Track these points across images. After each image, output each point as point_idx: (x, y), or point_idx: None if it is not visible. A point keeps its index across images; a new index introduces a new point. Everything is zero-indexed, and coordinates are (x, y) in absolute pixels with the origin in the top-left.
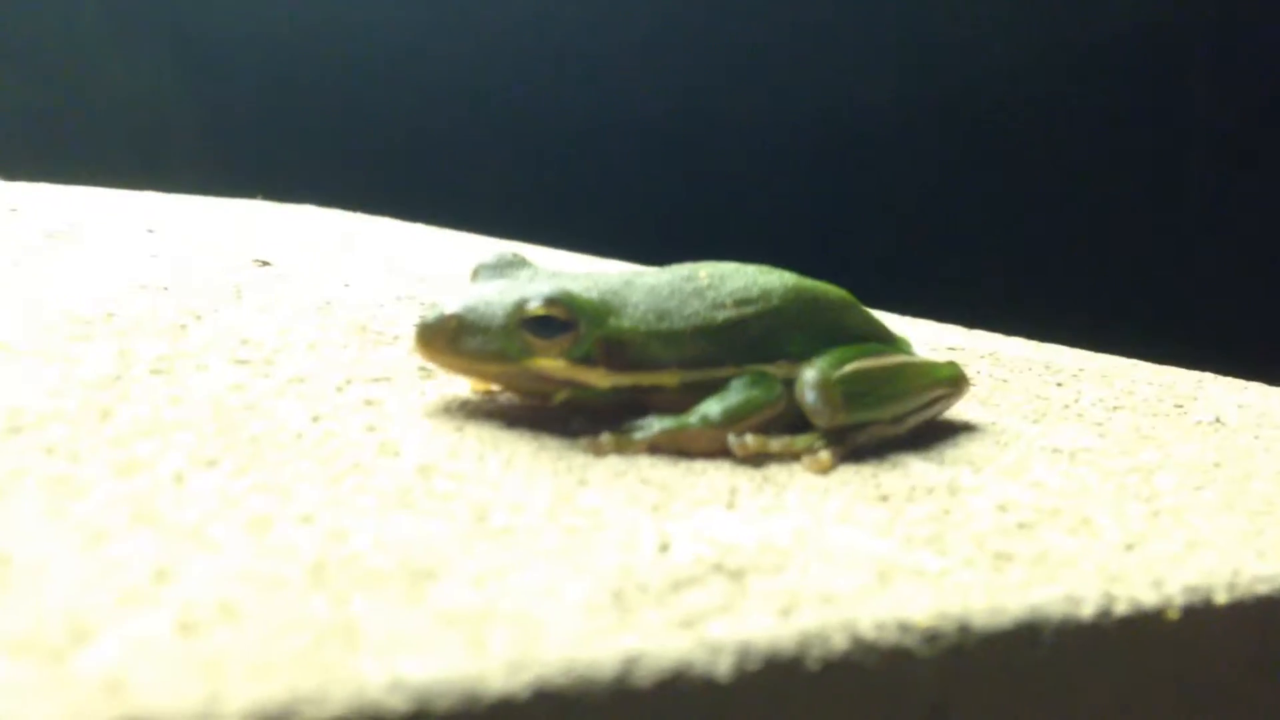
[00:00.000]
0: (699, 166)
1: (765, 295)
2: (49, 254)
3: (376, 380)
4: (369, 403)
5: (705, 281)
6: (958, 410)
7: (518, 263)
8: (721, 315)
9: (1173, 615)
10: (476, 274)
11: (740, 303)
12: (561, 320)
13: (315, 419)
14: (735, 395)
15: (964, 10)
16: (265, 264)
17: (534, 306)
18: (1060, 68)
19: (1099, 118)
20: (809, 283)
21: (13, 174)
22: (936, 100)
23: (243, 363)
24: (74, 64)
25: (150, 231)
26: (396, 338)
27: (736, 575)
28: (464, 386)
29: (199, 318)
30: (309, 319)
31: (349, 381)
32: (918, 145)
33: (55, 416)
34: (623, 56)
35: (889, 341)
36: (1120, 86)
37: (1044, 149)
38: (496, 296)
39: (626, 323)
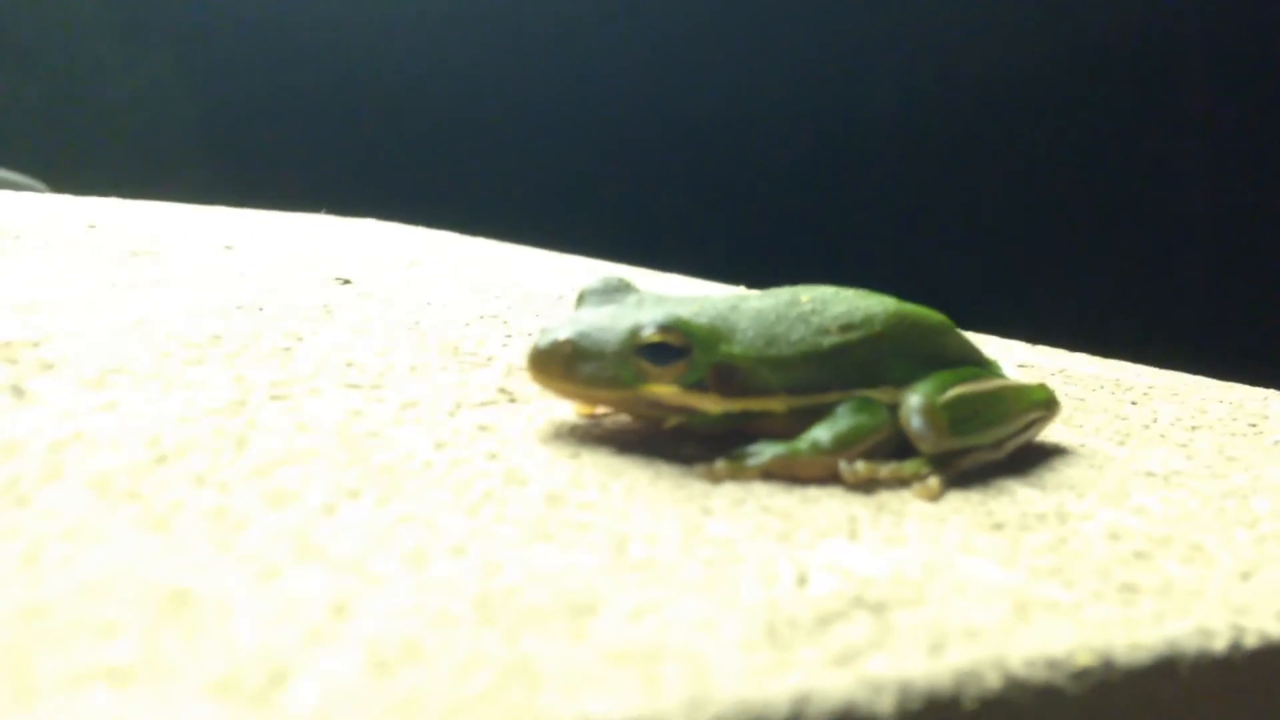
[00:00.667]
0: (747, 183)
1: (868, 320)
2: (138, 273)
3: (484, 404)
4: (483, 428)
5: (809, 306)
6: (1046, 432)
7: (623, 287)
8: (827, 341)
9: None
10: (583, 299)
11: (845, 328)
12: (675, 347)
13: (438, 446)
14: (844, 421)
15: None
16: (346, 282)
17: (649, 333)
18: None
19: (1159, 130)
20: (909, 307)
21: (81, 189)
22: (1002, 119)
23: (353, 386)
24: (139, 88)
25: (229, 248)
26: (490, 359)
27: (878, 609)
28: (567, 409)
29: (300, 339)
30: (403, 340)
31: (459, 406)
32: (987, 165)
33: (193, 445)
34: (673, 62)
35: (984, 365)
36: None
37: (1104, 162)
38: (609, 322)
39: (737, 349)
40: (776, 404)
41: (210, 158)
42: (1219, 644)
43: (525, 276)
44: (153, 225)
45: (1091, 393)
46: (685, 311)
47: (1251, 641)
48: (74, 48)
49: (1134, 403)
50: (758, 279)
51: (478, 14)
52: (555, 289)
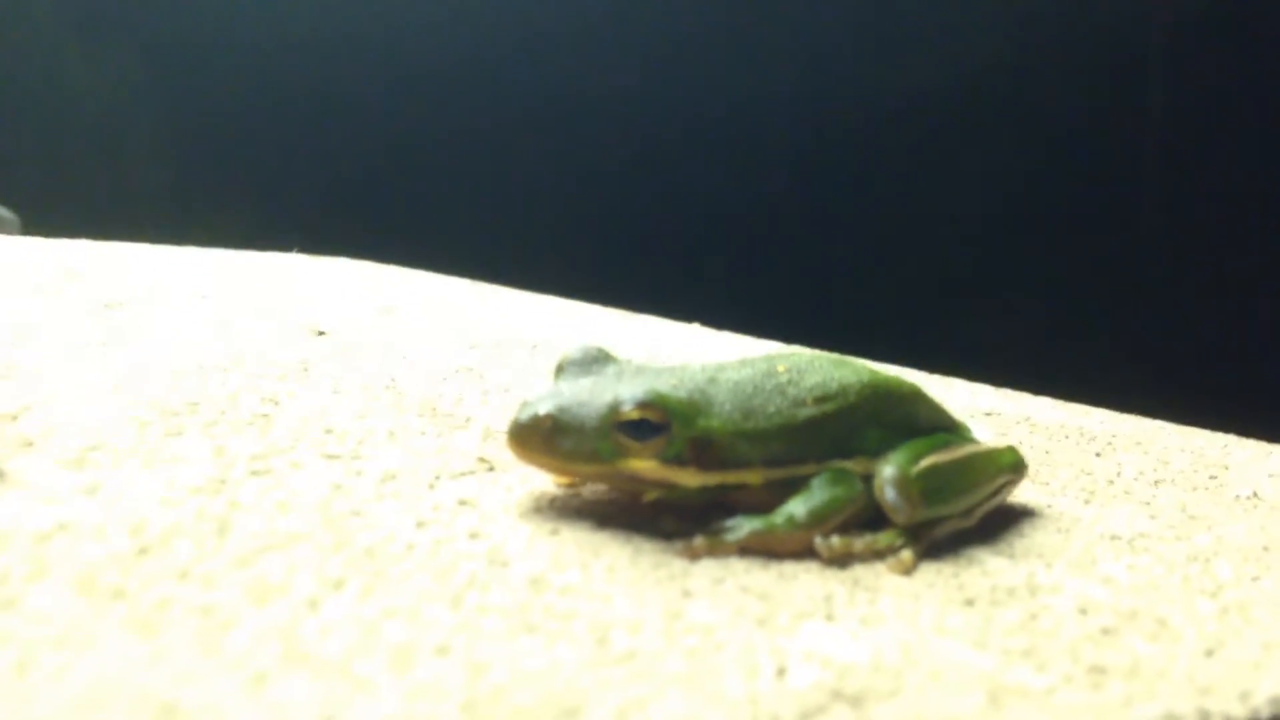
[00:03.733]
0: (701, 222)
1: (843, 391)
2: (113, 328)
3: (462, 475)
4: (463, 502)
5: (785, 377)
6: (1015, 491)
7: (602, 358)
8: (803, 413)
9: None
10: (561, 370)
11: (820, 399)
12: (654, 423)
13: (420, 525)
14: (818, 495)
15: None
16: (322, 333)
17: (628, 409)
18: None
19: (1111, 164)
20: (882, 376)
21: (55, 230)
22: (948, 155)
23: (333, 457)
24: (98, 115)
25: (203, 298)
26: (468, 419)
27: (857, 701)
28: (545, 479)
29: (277, 403)
30: (381, 400)
31: (438, 477)
32: (933, 202)
33: (176, 531)
34: (638, 89)
35: (954, 430)
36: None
37: (1053, 199)
38: (588, 396)
39: (716, 422)
40: (753, 476)
41: (178, 188)
42: None
43: (498, 323)
44: (126, 272)
45: (1057, 443)
46: (664, 385)
47: None
48: (29, 62)
49: (1098, 454)
50: (737, 322)
51: (452, 42)
52: (528, 337)
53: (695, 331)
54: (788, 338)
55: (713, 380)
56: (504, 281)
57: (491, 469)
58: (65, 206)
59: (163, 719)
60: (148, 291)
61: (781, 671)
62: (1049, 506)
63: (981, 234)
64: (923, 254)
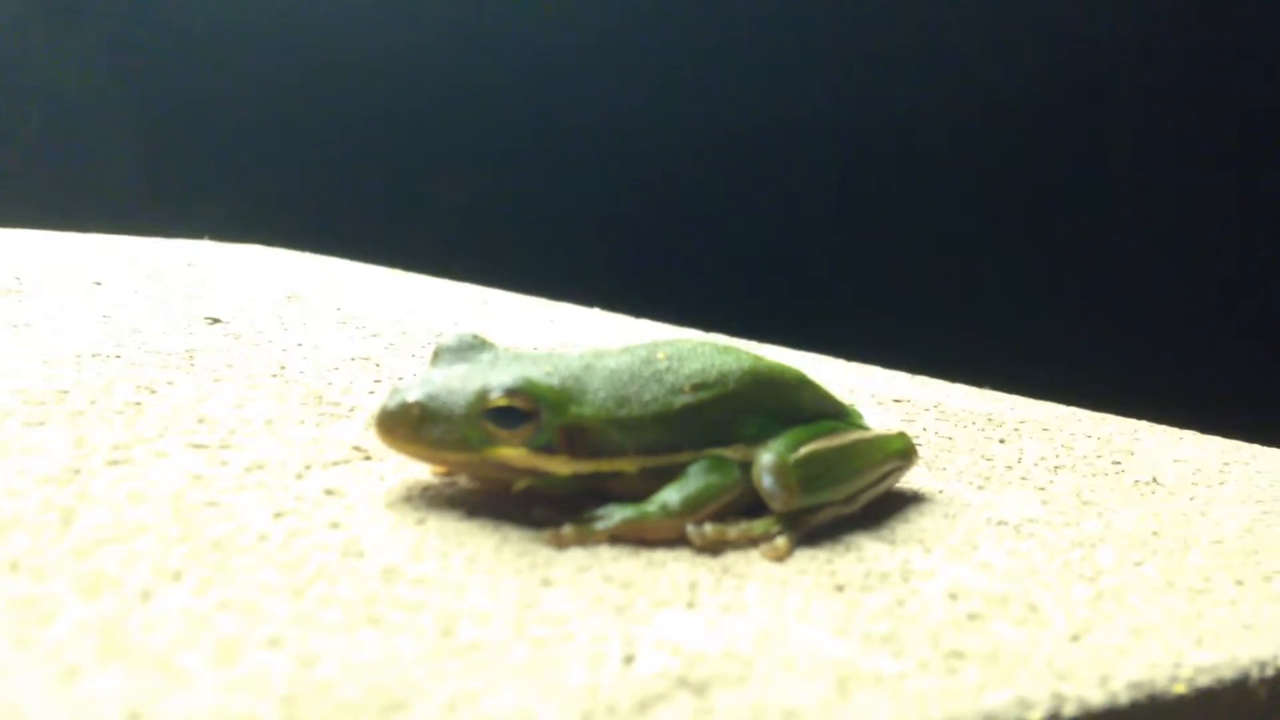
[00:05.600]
0: (645, 197)
1: (722, 379)
2: (2, 316)
3: (336, 464)
4: (330, 492)
5: (664, 364)
6: (909, 477)
7: (478, 345)
8: (679, 401)
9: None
10: (437, 356)
11: (698, 387)
12: (523, 410)
13: (277, 515)
14: (694, 482)
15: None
16: (216, 321)
17: (495, 397)
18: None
19: (1020, 155)
20: (765, 363)
21: None
22: (882, 133)
23: (200, 447)
24: (10, 93)
25: (98, 284)
26: (353, 409)
27: (701, 689)
28: (423, 468)
29: (153, 392)
30: (264, 388)
31: (308, 467)
32: (866, 183)
33: (16, 523)
34: (584, 66)
35: (842, 417)
36: (1056, 118)
37: (990, 189)
38: (458, 384)
39: (588, 410)
40: (628, 464)
41: (92, 172)
42: (1035, 715)
43: (408, 311)
44: (19, 258)
45: (962, 429)
46: (536, 373)
47: (1069, 711)
48: None
49: (1002, 440)
50: (619, 299)
51: (378, 17)
52: (437, 325)
53: (599, 316)
54: (715, 328)
55: (588, 367)
56: (425, 270)
57: (368, 458)
58: None
59: None
60: (41, 279)
61: (629, 660)
62: (940, 492)
63: (906, 220)
64: (852, 244)
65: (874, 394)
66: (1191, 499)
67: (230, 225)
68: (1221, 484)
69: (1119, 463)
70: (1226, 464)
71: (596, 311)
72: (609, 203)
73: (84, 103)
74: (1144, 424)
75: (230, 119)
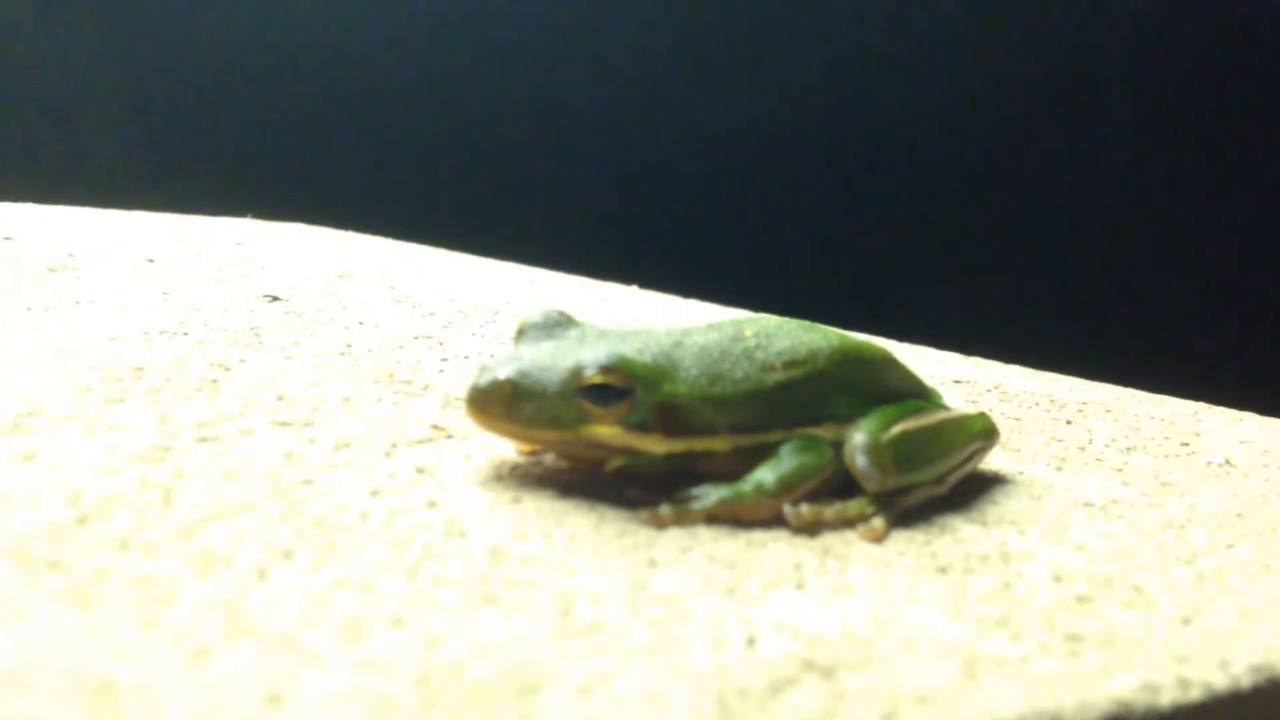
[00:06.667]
0: (691, 189)
1: (812, 356)
2: (56, 293)
3: (421, 442)
4: (420, 470)
5: (753, 342)
6: (986, 459)
7: (564, 321)
8: (771, 378)
9: None
10: (522, 333)
11: (789, 364)
12: (618, 387)
13: (374, 494)
14: (788, 462)
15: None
16: (276, 299)
17: (590, 374)
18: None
19: (1078, 137)
20: (852, 341)
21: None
22: (933, 121)
23: (284, 424)
24: (57, 81)
25: (151, 261)
26: (426, 387)
27: (828, 673)
28: (507, 446)
29: (227, 369)
30: (336, 367)
31: (394, 445)
32: (916, 167)
33: (116, 501)
34: (609, 61)
35: (925, 397)
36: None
37: (1029, 170)
38: (549, 361)
39: (681, 388)
40: (720, 443)
41: (131, 151)
42: (1165, 698)
43: (460, 290)
44: (71, 236)
45: (1027, 410)
46: (628, 349)
47: (1195, 695)
48: None
49: (1069, 421)
50: (705, 291)
51: (409, 10)
52: (491, 303)
53: (655, 298)
54: (756, 308)
55: (678, 344)
56: (465, 249)
57: (450, 437)
58: (13, 172)
59: (96, 696)
60: (94, 257)
61: (751, 642)
62: (1020, 473)
63: (957, 209)
64: (897, 228)
65: (930, 375)
66: (1266, 480)
67: (270, 204)
68: None
69: (1187, 444)
70: None
71: (635, 289)
72: (648, 183)
73: (108, 82)
74: (1202, 405)
75: (264, 99)
